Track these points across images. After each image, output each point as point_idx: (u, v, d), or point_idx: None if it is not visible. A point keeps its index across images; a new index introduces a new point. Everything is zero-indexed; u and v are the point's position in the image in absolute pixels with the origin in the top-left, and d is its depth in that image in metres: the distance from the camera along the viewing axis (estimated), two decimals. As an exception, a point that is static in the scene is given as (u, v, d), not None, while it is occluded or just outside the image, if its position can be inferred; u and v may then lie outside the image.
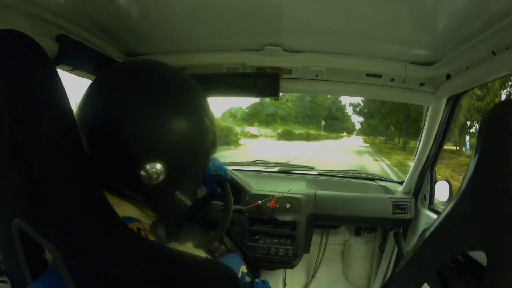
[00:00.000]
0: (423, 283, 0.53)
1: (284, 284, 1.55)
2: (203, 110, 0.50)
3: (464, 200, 0.45)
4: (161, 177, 0.45)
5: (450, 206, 0.46)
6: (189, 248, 0.52)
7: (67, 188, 0.36)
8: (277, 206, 1.25)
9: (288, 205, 1.26)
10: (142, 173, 0.44)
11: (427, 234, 0.48)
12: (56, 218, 0.36)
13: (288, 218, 1.26)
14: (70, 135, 0.37)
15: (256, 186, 1.36)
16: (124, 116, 0.44)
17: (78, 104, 0.48)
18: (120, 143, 0.43)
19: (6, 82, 0.35)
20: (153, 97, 0.45)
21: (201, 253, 0.52)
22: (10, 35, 0.36)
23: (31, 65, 0.36)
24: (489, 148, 0.43)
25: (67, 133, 0.37)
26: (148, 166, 0.44)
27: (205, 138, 0.51)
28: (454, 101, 1.05)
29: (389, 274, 1.45)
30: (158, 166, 0.44)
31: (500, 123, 0.42)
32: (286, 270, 1.55)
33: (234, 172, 1.38)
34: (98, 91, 0.47)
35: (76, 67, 0.78)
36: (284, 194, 1.27)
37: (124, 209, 0.48)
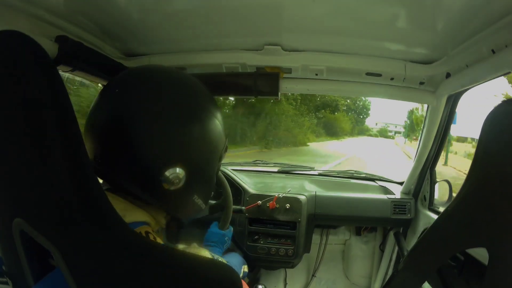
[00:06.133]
0: (425, 281, 0.53)
1: (285, 284, 1.55)
2: (214, 112, 0.50)
3: (467, 200, 0.45)
4: (182, 182, 0.44)
5: (452, 205, 0.46)
6: (194, 247, 0.52)
7: (68, 187, 0.36)
8: (277, 206, 1.25)
9: (288, 205, 1.25)
10: (163, 178, 0.43)
11: (428, 232, 0.48)
12: (56, 217, 0.36)
13: (288, 218, 1.25)
14: (72, 135, 0.37)
15: (256, 186, 1.36)
16: (143, 123, 0.43)
17: (91, 108, 0.48)
18: (140, 149, 0.43)
19: (7, 83, 0.35)
20: (170, 103, 0.45)
21: (206, 253, 0.52)
22: (11, 36, 0.36)
23: (32, 66, 0.36)
24: (491, 148, 0.43)
25: (69, 133, 0.37)
26: (169, 171, 0.43)
27: (220, 140, 0.50)
28: (454, 100, 1.05)
29: (389, 273, 1.45)
30: (179, 171, 0.43)
31: (503, 123, 0.42)
32: (287, 269, 1.55)
33: (234, 172, 1.38)
34: (113, 98, 0.47)
35: (75, 68, 0.78)
36: (284, 194, 1.27)
37: (136, 214, 0.47)
